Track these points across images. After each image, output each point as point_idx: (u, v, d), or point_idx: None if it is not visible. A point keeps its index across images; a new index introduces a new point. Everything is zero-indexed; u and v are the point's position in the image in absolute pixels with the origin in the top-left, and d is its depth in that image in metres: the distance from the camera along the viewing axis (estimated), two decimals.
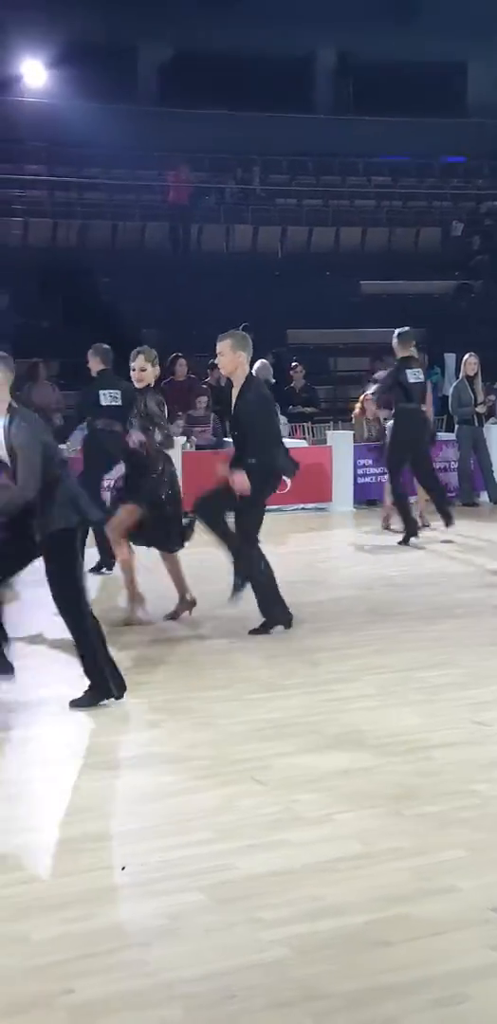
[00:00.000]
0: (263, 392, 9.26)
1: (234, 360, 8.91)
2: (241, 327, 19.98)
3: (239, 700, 7.28)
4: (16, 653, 8.55)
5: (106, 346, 12.08)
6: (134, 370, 9.55)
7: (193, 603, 9.64)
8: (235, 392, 9.02)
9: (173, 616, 9.58)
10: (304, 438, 18.34)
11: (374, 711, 7.00)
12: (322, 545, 12.91)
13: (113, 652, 8.33)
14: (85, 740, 6.61)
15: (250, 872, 4.77)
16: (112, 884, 4.69)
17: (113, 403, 11.63)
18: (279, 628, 9.04)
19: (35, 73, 25.95)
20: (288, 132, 26.60)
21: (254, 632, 8.95)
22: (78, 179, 24.42)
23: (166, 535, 9.51)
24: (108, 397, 11.75)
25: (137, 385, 9.58)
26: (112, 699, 7.09)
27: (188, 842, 5.08)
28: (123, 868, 4.80)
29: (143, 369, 9.51)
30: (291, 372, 19.48)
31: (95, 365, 11.94)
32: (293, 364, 19.66)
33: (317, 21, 26.67)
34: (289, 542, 12.63)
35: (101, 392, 11.82)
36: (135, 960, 4.08)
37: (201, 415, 16.93)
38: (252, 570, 8.92)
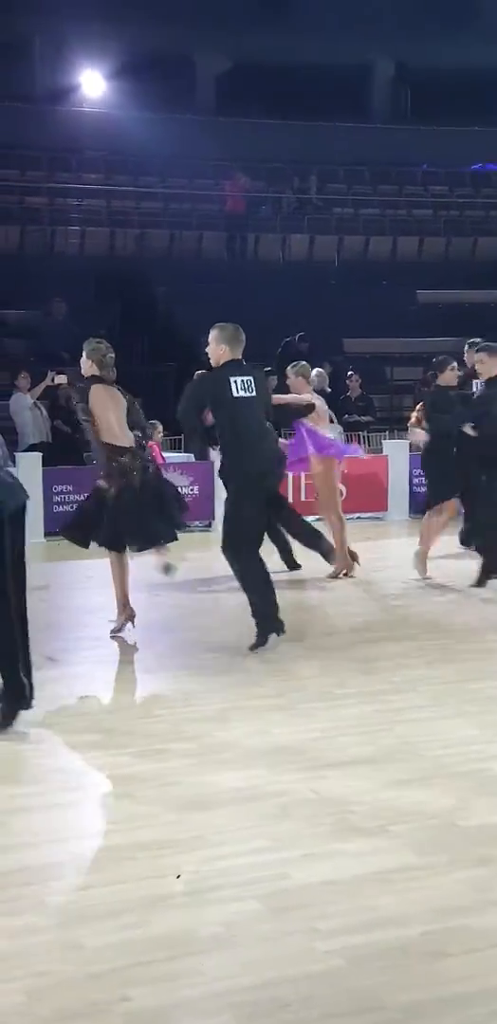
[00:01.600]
0: None
1: (216, 351, 8.75)
2: (297, 337, 20.20)
3: (293, 709, 7.26)
4: (76, 658, 8.64)
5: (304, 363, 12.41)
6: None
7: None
8: None
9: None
10: (360, 447, 18.29)
11: (428, 722, 6.95)
12: (377, 555, 12.86)
13: (167, 657, 8.38)
14: (137, 748, 6.60)
15: (306, 882, 4.75)
16: (167, 892, 4.69)
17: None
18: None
19: (94, 83, 26.17)
20: (345, 141, 26.62)
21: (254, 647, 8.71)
22: (135, 188, 24.56)
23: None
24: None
25: None
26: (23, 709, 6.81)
27: (243, 851, 5.07)
28: (178, 876, 4.80)
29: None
30: (347, 381, 19.45)
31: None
32: (349, 373, 19.64)
33: (374, 30, 26.67)
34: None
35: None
36: (190, 968, 4.07)
37: None
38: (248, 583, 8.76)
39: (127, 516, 9.17)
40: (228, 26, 25.88)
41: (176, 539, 9.79)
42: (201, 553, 13.25)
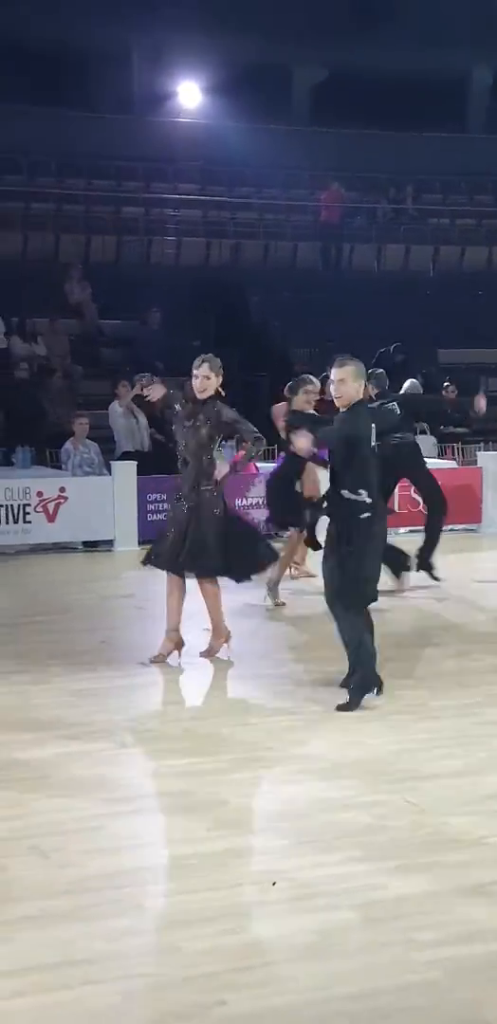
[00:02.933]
0: None
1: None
2: (393, 347, 20.09)
3: (388, 720, 7.21)
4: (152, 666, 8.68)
5: (381, 371, 12.15)
6: (196, 378, 8.77)
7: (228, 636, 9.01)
8: None
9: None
10: (454, 458, 18.15)
11: None
12: (472, 567, 12.73)
13: (259, 666, 8.37)
14: (233, 755, 6.61)
15: (402, 892, 4.72)
16: (262, 899, 4.68)
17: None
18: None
19: (190, 94, 26.34)
20: (441, 151, 26.44)
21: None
22: (231, 199, 24.64)
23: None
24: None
25: (199, 396, 8.81)
26: None
27: (338, 860, 5.05)
28: (274, 884, 4.79)
29: (207, 378, 8.78)
30: (443, 392, 19.30)
31: (371, 391, 11.77)
32: (445, 384, 19.48)
33: (471, 38, 26.46)
34: (438, 564, 12.49)
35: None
36: (286, 976, 4.07)
37: None
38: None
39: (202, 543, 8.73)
40: (324, 36, 25.84)
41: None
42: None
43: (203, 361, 8.91)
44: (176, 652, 8.83)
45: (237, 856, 5.13)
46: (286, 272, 23.58)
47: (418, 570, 11.72)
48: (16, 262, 21.27)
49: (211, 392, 8.80)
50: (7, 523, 14.13)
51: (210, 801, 5.90)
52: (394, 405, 11.87)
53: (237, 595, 11.33)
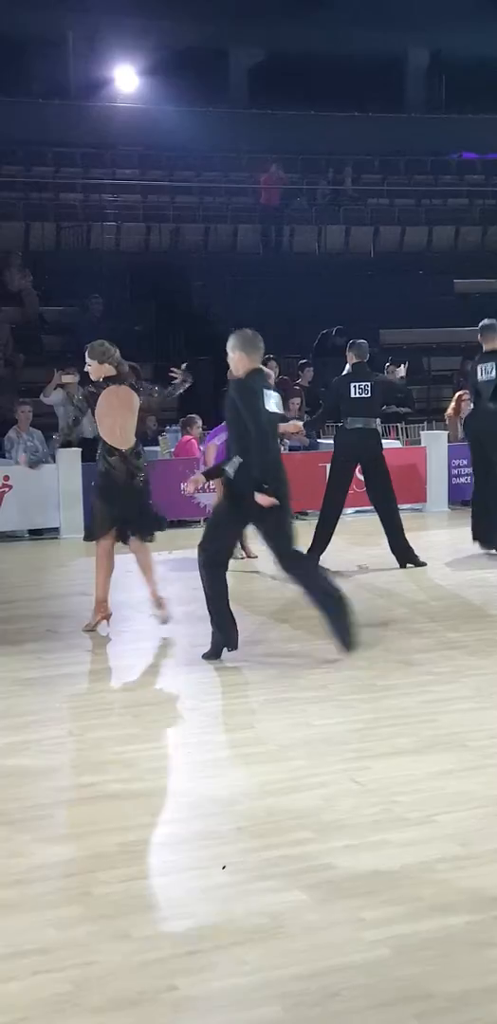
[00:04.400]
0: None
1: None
2: (334, 329, 20.16)
3: (335, 701, 7.25)
4: (113, 652, 8.68)
5: (363, 341, 12.43)
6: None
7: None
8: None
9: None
10: (398, 439, 18.25)
11: (473, 712, 6.93)
12: (416, 546, 12.78)
13: (198, 650, 8.37)
14: (180, 739, 6.63)
15: (351, 872, 4.75)
16: (211, 883, 4.70)
17: (362, 395, 11.94)
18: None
19: (127, 78, 26.21)
20: (379, 132, 26.55)
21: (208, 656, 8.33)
22: (170, 183, 24.57)
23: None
24: (358, 390, 11.94)
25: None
26: None
27: (287, 841, 5.07)
28: (223, 867, 4.81)
29: (89, 364, 9.39)
30: (386, 371, 19.38)
31: (350, 359, 12.09)
32: (387, 364, 19.57)
33: (407, 19, 26.56)
34: (383, 543, 12.56)
35: (353, 384, 12.00)
36: (237, 958, 4.08)
37: (294, 416, 16.90)
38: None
39: (102, 510, 9.35)
40: (261, 18, 25.84)
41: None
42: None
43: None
44: (105, 622, 9.39)
45: (185, 841, 5.14)
46: (227, 256, 23.57)
47: (403, 565, 11.84)
48: None
49: (95, 378, 9.39)
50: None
51: (158, 787, 5.91)
52: (367, 385, 11.97)
53: (179, 580, 11.41)
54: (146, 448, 16.98)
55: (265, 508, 7.90)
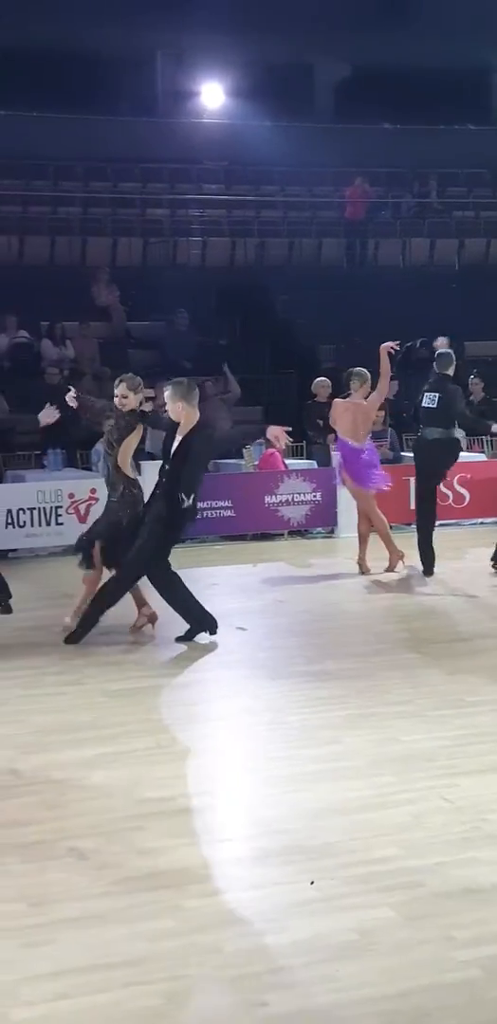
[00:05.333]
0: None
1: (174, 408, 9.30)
2: (419, 342, 20.07)
3: (422, 716, 7.22)
4: (197, 665, 8.73)
5: (446, 351, 12.71)
6: (117, 396, 9.73)
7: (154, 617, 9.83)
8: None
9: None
10: (483, 451, 18.11)
11: None
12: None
13: (294, 664, 8.38)
14: (267, 753, 6.64)
15: (441, 890, 4.72)
16: (301, 899, 4.70)
17: (430, 406, 12.07)
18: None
19: (213, 94, 26.34)
20: (465, 144, 26.33)
21: (181, 639, 9.32)
22: (256, 198, 24.64)
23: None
24: (428, 400, 12.15)
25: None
26: None
27: (376, 858, 5.05)
28: (311, 883, 4.80)
29: (124, 396, 9.68)
30: (470, 385, 19.24)
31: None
32: (472, 377, 19.43)
33: (495, 32, 26.35)
34: (468, 556, 12.51)
35: (426, 395, 12.21)
36: (327, 975, 4.08)
37: (379, 430, 16.86)
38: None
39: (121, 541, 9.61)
40: (346, 33, 25.80)
41: None
42: (324, 559, 13.26)
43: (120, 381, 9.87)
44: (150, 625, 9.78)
45: (274, 855, 5.14)
46: (311, 270, 23.55)
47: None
48: (44, 267, 21.36)
49: (130, 408, 9.69)
50: (40, 525, 14.24)
51: (245, 801, 5.93)
52: (435, 396, 11.99)
53: (264, 592, 11.42)
54: (230, 461, 17.21)
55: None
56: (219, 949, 4.28)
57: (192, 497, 9.28)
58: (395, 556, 12.37)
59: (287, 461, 16.67)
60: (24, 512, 14.36)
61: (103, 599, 9.48)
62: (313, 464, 16.74)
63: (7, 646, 9.60)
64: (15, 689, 8.17)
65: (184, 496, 9.19)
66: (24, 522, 14.44)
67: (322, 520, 15.95)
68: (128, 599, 9.64)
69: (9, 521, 14.49)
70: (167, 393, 9.35)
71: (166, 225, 23.53)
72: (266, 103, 25.10)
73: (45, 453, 15.40)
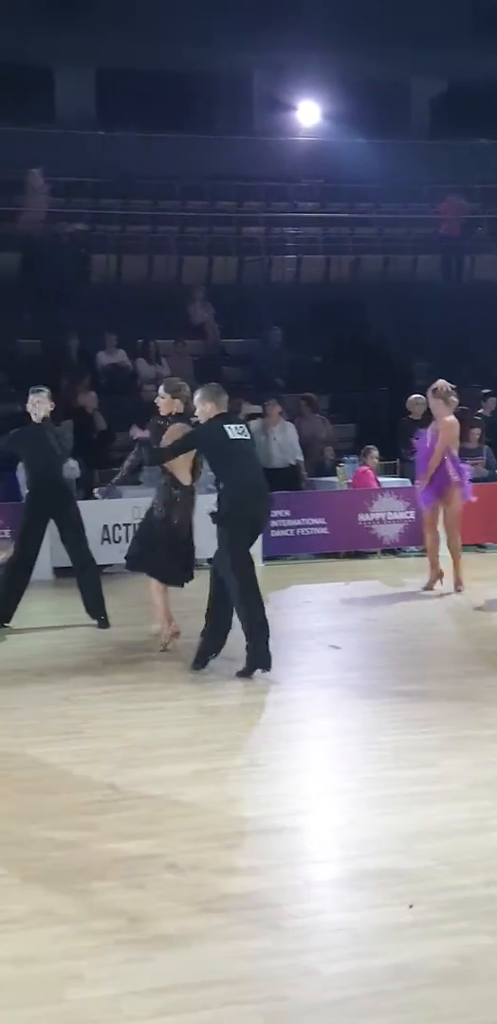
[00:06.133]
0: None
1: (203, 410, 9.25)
2: None
3: None
4: (291, 683, 8.74)
5: None
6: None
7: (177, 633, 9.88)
8: None
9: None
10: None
11: None
12: None
13: (386, 682, 8.35)
14: (362, 774, 6.62)
15: None
16: (399, 922, 4.68)
17: None
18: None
19: (309, 111, 26.42)
20: None
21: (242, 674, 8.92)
22: (351, 215, 24.64)
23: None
24: None
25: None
26: None
27: (475, 883, 5.02)
28: (410, 906, 4.79)
29: (161, 398, 9.99)
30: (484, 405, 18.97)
31: None
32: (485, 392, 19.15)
33: None
34: None
35: None
36: (427, 1001, 4.06)
37: (474, 447, 16.75)
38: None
39: (168, 545, 9.81)
40: (442, 49, 25.75)
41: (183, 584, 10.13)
42: (418, 578, 13.18)
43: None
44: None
45: (371, 877, 5.13)
46: (406, 286, 23.48)
47: None
48: (142, 286, 21.58)
49: (165, 412, 9.97)
50: None
51: (341, 821, 5.92)
52: None
53: (357, 611, 11.41)
54: (323, 478, 17.21)
55: None
56: (317, 971, 4.28)
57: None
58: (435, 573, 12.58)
59: (380, 479, 16.64)
60: (120, 528, 14.51)
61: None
62: (406, 482, 16.67)
63: (104, 661, 9.72)
64: (112, 704, 8.26)
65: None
66: (120, 538, 14.59)
67: (415, 539, 15.86)
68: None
69: (105, 536, 14.66)
70: (197, 396, 9.37)
71: (261, 243, 23.64)
72: (362, 120, 25.12)
73: (141, 469, 15.55)
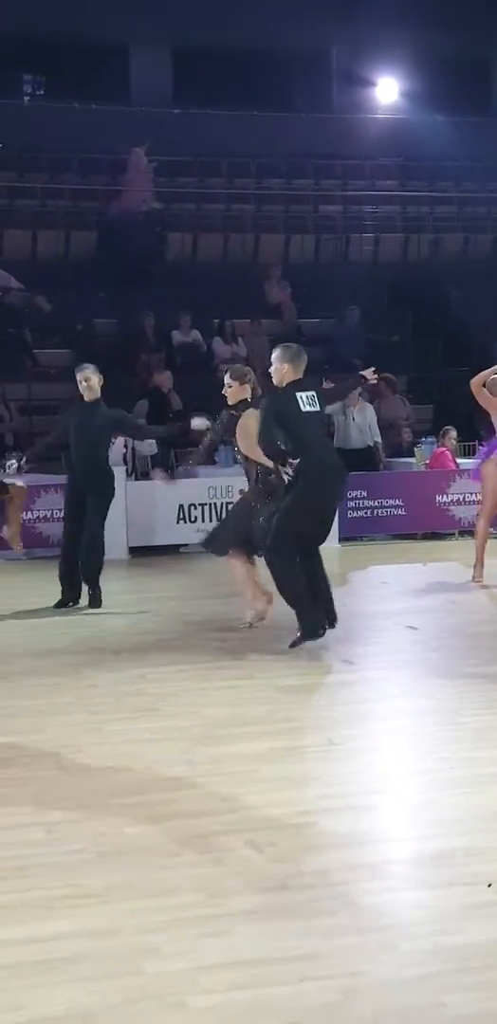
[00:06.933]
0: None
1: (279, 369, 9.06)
2: None
3: None
4: (369, 663, 8.69)
5: None
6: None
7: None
8: None
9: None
10: None
11: None
12: None
13: (466, 663, 8.27)
14: (441, 754, 6.54)
15: None
16: (479, 901, 4.61)
17: None
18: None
19: (388, 88, 26.20)
20: None
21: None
22: (430, 193, 24.42)
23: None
24: None
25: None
26: None
27: None
28: (489, 885, 4.72)
29: (229, 386, 9.71)
30: None
31: None
32: None
33: None
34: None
35: None
36: None
37: None
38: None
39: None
40: None
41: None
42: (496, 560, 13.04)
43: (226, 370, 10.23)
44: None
45: (449, 856, 5.06)
46: (486, 265, 23.23)
47: None
48: (218, 264, 21.56)
49: (232, 401, 9.73)
50: (211, 520, 14.37)
51: (419, 800, 5.86)
52: None
53: (435, 592, 11.31)
54: (401, 459, 17.08)
55: None
56: (395, 947, 4.23)
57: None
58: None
59: (459, 460, 16.48)
60: (196, 508, 14.55)
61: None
62: None
63: (180, 639, 9.73)
64: (188, 682, 8.27)
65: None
66: (195, 517, 14.64)
67: (494, 520, 15.69)
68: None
69: (181, 516, 14.71)
70: (275, 354, 9.20)
71: (339, 221, 23.50)
72: (441, 97, 24.86)
73: (217, 449, 15.56)
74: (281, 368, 9.04)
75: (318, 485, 8.87)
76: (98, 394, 11.01)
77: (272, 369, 9.15)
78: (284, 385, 9.05)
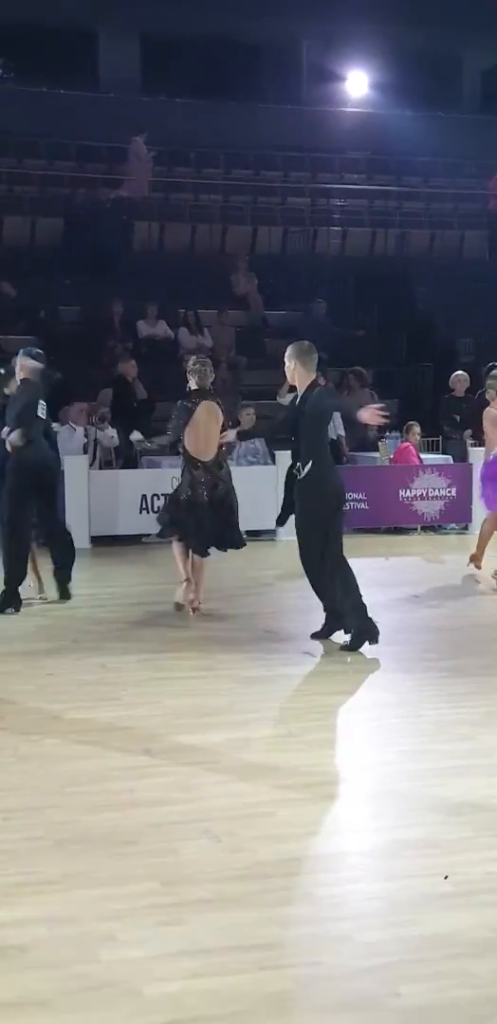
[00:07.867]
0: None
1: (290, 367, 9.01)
2: None
3: None
4: (331, 657, 8.69)
5: None
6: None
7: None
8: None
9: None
10: None
11: None
12: None
13: (428, 658, 8.29)
14: (401, 747, 6.56)
15: None
16: (436, 892, 4.63)
17: None
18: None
19: (357, 82, 26.19)
20: None
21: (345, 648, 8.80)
22: (398, 188, 24.44)
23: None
24: None
25: None
26: None
27: None
28: (446, 877, 4.73)
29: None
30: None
31: None
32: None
33: None
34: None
35: None
36: (462, 970, 4.01)
37: None
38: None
39: (192, 520, 10.00)
40: (495, 22, 25.46)
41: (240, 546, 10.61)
42: (458, 555, 13.08)
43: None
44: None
45: (408, 848, 5.08)
46: (452, 261, 23.29)
47: None
48: (185, 254, 21.50)
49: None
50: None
51: (378, 792, 5.87)
52: None
53: (398, 586, 11.34)
54: (364, 453, 17.09)
55: None
56: (352, 938, 4.24)
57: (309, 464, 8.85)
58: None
59: (422, 455, 16.52)
60: (158, 498, 14.48)
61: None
62: (448, 459, 16.56)
63: (141, 630, 9.71)
64: (148, 672, 8.25)
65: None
66: (158, 507, 14.55)
67: (456, 516, 15.79)
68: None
69: (143, 506, 14.64)
70: (287, 353, 9.09)
71: (306, 214, 23.48)
72: (411, 92, 24.89)
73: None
74: (291, 367, 8.96)
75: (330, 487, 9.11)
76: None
77: (286, 368, 9.03)
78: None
